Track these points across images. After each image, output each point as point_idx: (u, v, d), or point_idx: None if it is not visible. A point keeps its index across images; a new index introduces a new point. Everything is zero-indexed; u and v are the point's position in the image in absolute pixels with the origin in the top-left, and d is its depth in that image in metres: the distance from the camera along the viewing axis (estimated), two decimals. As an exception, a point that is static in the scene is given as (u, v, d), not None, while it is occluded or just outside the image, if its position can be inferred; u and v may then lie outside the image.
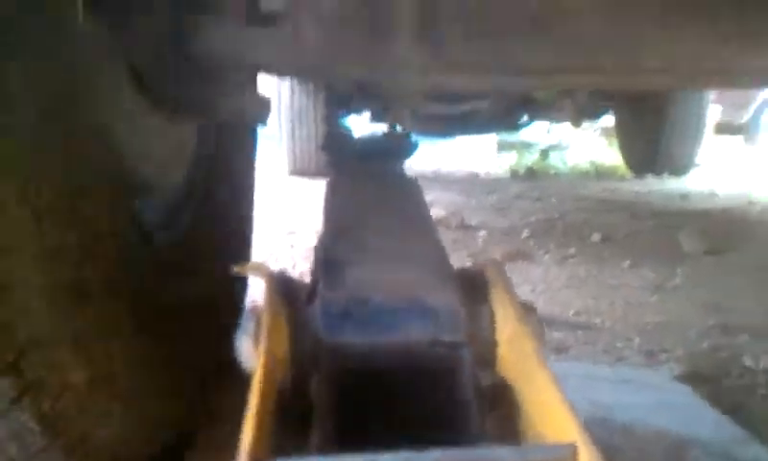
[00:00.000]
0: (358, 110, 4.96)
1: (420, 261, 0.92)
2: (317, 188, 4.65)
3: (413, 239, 1.03)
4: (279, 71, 1.40)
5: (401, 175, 1.48)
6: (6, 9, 0.78)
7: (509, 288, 0.83)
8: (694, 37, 1.24)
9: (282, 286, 0.79)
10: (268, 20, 1.28)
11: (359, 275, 0.86)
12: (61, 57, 0.90)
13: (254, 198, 1.86)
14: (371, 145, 1.69)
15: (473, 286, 0.84)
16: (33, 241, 0.80)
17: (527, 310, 0.79)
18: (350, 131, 2.03)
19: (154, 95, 1.22)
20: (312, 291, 0.83)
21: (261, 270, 0.81)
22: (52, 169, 0.85)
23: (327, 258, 0.91)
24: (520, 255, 2.98)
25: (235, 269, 0.83)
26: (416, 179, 1.38)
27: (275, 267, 0.82)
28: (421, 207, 1.23)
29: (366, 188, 1.36)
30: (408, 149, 1.64)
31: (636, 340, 1.95)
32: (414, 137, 1.75)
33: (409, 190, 1.33)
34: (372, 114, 4.54)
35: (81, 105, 0.95)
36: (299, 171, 5.36)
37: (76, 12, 0.95)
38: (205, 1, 1.24)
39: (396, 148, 1.63)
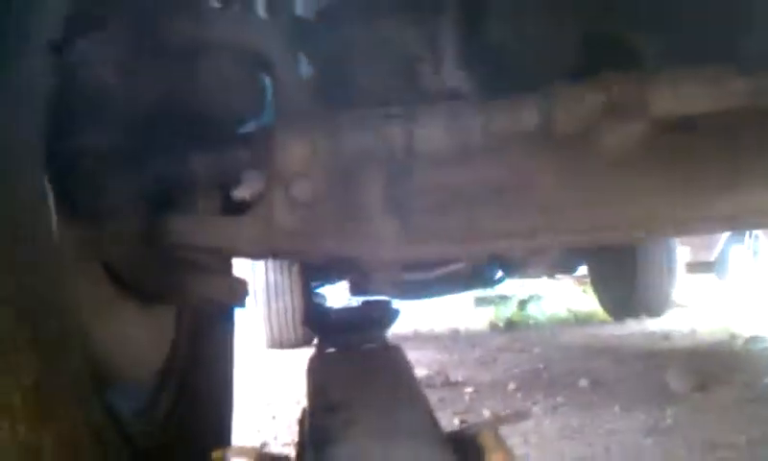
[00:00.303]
0: (334, 281, 5.00)
1: (409, 433, 0.90)
2: (296, 360, 4.61)
3: (401, 410, 1.01)
4: (255, 256, 1.42)
5: (385, 344, 1.48)
6: None
7: (508, 456, 0.80)
8: (650, 194, 1.30)
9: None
10: (241, 208, 1.31)
11: (348, 452, 0.83)
12: (38, 264, 0.89)
13: (233, 378, 1.82)
14: (352, 316, 1.69)
15: (467, 454, 0.82)
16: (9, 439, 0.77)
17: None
18: (327, 301, 2.03)
19: (130, 289, 1.23)
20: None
21: (247, 453, 0.78)
22: (27, 369, 0.82)
23: (315, 435, 0.88)
24: (512, 414, 2.92)
25: (219, 453, 0.79)
26: (399, 346, 1.37)
27: (257, 439, 0.79)
28: (407, 375, 1.22)
29: (350, 360, 1.34)
30: (390, 317, 1.64)
31: (638, 486, 1.88)
32: (394, 305, 1.76)
33: (393, 359, 1.32)
34: (352, 286, 4.61)
35: (57, 307, 0.93)
36: (277, 344, 5.31)
37: (50, 222, 0.96)
38: (178, 197, 1.27)
39: (377, 317, 1.62)
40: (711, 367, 3.45)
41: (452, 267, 4.57)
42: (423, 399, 1.04)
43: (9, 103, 0.84)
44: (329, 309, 1.82)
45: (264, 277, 5.13)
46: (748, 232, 8.61)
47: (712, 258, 8.85)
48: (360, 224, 1.27)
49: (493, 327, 6.64)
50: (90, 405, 0.98)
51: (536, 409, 2.94)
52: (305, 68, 1.56)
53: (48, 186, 0.94)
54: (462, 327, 6.83)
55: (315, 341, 1.68)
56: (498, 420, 1.00)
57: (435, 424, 0.91)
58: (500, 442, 0.81)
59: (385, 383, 1.16)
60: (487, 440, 0.83)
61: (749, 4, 1.22)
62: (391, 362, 1.27)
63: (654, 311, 5.56)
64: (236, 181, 1.48)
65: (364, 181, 1.26)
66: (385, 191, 1.27)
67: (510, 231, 1.33)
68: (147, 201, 1.24)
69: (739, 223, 1.46)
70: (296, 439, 1.06)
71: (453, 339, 5.82)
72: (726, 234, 8.51)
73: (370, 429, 0.91)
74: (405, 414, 0.97)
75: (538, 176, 1.32)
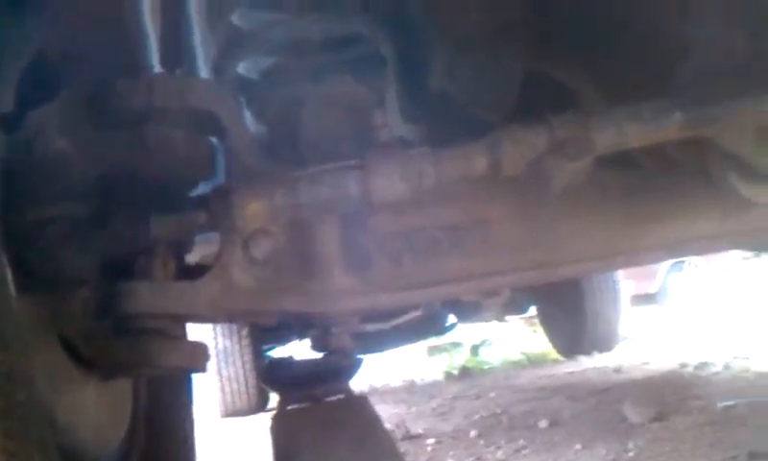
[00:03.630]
0: (285, 342, 4.94)
1: None
2: (252, 428, 4.52)
3: None
4: (214, 319, 1.40)
5: (350, 395, 1.46)
6: None
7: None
8: (600, 227, 1.35)
9: None
10: (194, 273, 1.30)
11: None
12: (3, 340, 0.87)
13: (195, 447, 1.77)
14: (313, 367, 1.67)
15: None
16: None
17: None
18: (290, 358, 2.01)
19: (86, 361, 1.20)
20: None
21: None
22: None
23: None
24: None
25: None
26: (365, 396, 1.36)
27: None
28: (378, 428, 1.21)
29: (315, 415, 1.33)
30: (353, 367, 1.63)
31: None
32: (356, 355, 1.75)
33: (361, 411, 1.31)
34: (313, 342, 4.57)
35: (24, 382, 0.90)
36: (231, 412, 5.17)
37: (9, 298, 0.94)
38: (131, 266, 1.25)
39: (340, 367, 1.61)
40: (666, 396, 3.50)
41: (408, 316, 4.58)
42: (398, 453, 1.02)
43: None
44: (289, 362, 1.79)
45: (213, 343, 4.99)
46: (687, 262, 8.86)
47: (655, 290, 9.06)
48: (319, 278, 1.27)
49: (448, 375, 6.62)
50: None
51: (499, 454, 2.93)
52: (254, 127, 1.57)
53: (4, 262, 0.92)
54: (417, 377, 6.80)
55: (270, 405, 1.65)
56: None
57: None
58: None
59: (356, 437, 1.14)
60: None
61: (683, 37, 1.27)
62: (359, 414, 1.25)
63: (604, 346, 5.64)
64: (189, 246, 1.47)
65: (321, 235, 1.27)
66: (342, 243, 1.27)
67: (467, 274, 1.35)
68: (103, 270, 1.22)
69: (685, 250, 1.51)
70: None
71: (409, 391, 5.79)
72: (666, 265, 8.74)
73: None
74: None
75: (490, 217, 1.35)
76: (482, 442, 3.21)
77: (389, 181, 1.23)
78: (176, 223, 1.26)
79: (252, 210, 1.23)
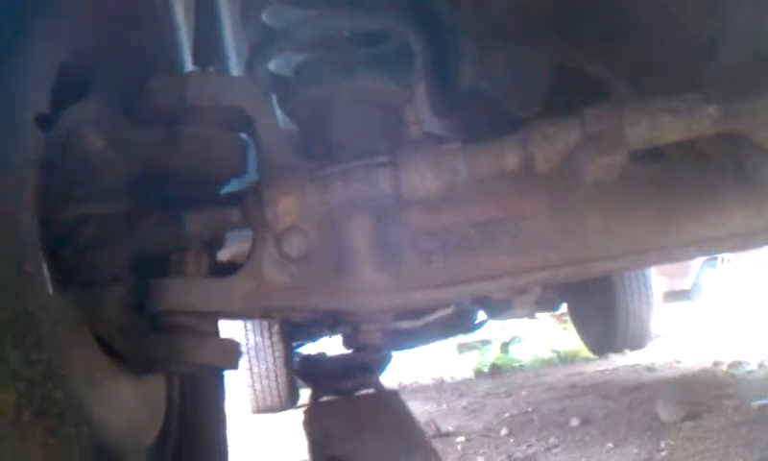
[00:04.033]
0: (316, 339, 4.95)
1: None
2: (283, 424, 4.54)
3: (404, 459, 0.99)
4: (247, 316, 1.41)
5: (381, 389, 1.46)
6: None
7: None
8: (632, 223, 1.33)
9: None
10: (227, 270, 1.31)
11: None
12: (40, 338, 0.88)
13: (227, 442, 1.79)
14: (345, 362, 1.67)
15: None
16: None
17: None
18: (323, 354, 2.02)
19: (121, 358, 1.21)
20: None
21: None
22: (36, 443, 0.81)
23: None
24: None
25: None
26: (396, 390, 1.36)
27: None
28: (409, 421, 1.21)
29: (347, 408, 1.33)
30: (383, 362, 1.63)
31: (642, 520, 1.87)
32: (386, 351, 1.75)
33: (392, 404, 1.31)
34: (344, 339, 4.57)
35: (61, 380, 0.92)
36: (262, 408, 5.21)
37: (46, 293, 0.95)
38: (165, 263, 1.26)
39: (371, 362, 1.61)
40: (699, 395, 3.46)
41: (439, 313, 4.58)
42: (430, 446, 1.01)
43: (1, 177, 0.85)
44: (322, 357, 1.80)
45: (245, 340, 5.03)
46: (721, 258, 8.74)
47: (688, 286, 8.95)
48: (351, 276, 1.27)
49: (478, 372, 6.61)
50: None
51: (530, 452, 2.92)
52: (286, 124, 1.57)
53: (41, 259, 0.94)
54: (447, 375, 6.80)
55: (300, 401, 1.66)
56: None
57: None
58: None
59: (388, 431, 1.14)
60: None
61: (713, 31, 1.26)
62: (390, 408, 1.25)
63: (636, 344, 5.58)
64: (221, 244, 1.48)
65: (353, 232, 1.27)
66: (374, 240, 1.27)
67: (498, 271, 1.34)
68: (137, 267, 1.23)
69: (719, 247, 1.49)
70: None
71: (439, 389, 5.78)
72: (699, 261, 8.63)
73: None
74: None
75: (522, 213, 1.34)
76: (512, 440, 3.20)
77: (420, 178, 1.23)
78: (208, 219, 1.27)
79: (285, 207, 1.24)
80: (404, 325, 4.43)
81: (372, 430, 1.15)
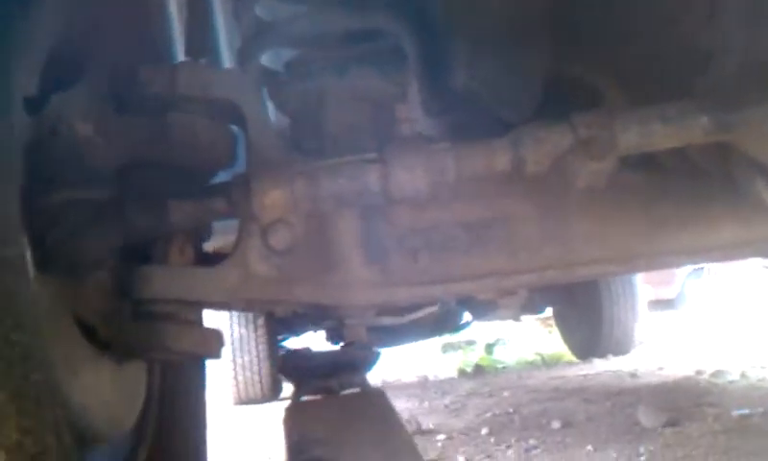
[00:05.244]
0: (299, 333, 4.97)
1: None
2: (265, 416, 4.54)
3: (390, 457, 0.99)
4: (230, 306, 1.41)
5: (367, 388, 1.46)
6: None
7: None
8: (621, 229, 1.34)
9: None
10: (212, 261, 1.30)
11: None
12: (21, 320, 0.88)
13: (206, 432, 1.79)
14: (331, 360, 1.66)
15: None
16: None
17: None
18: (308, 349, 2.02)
19: (103, 344, 1.21)
20: None
21: None
22: (11, 427, 0.80)
23: None
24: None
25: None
26: (382, 390, 1.35)
27: None
28: (394, 422, 1.21)
29: (331, 408, 1.32)
30: (370, 360, 1.63)
31: (618, 525, 1.87)
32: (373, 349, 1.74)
33: (377, 404, 1.31)
34: (328, 333, 4.58)
35: (39, 364, 0.91)
36: (244, 400, 5.23)
37: (27, 277, 0.94)
38: (150, 251, 1.26)
39: (357, 360, 1.60)
40: (680, 402, 3.47)
41: (423, 311, 4.59)
42: (414, 449, 1.01)
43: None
44: (307, 352, 1.79)
45: (229, 331, 5.03)
46: (706, 268, 8.80)
47: (673, 295, 9.00)
48: (337, 270, 1.27)
49: (462, 373, 6.62)
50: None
51: (509, 453, 2.93)
52: (276, 118, 1.57)
53: (24, 243, 0.93)
54: (430, 374, 6.81)
55: (282, 394, 1.65)
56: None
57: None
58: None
59: (372, 432, 1.14)
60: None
61: (710, 43, 1.26)
62: (375, 408, 1.25)
63: (620, 350, 5.61)
64: (207, 234, 1.48)
65: (340, 227, 1.27)
66: (361, 236, 1.27)
67: (485, 272, 1.34)
68: (122, 255, 1.23)
69: (708, 256, 1.50)
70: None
71: (422, 387, 5.79)
72: (685, 271, 8.68)
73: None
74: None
75: (510, 215, 1.35)
76: (493, 440, 3.20)
77: (409, 175, 1.23)
78: (194, 209, 1.27)
79: (272, 199, 1.23)
80: (388, 321, 4.43)
81: (356, 430, 1.14)
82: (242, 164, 1.34)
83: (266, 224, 1.25)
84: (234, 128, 1.37)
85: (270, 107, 1.58)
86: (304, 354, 1.77)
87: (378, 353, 1.68)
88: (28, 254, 0.92)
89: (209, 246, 1.52)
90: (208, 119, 1.29)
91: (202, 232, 1.44)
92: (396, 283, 1.30)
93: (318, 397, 1.40)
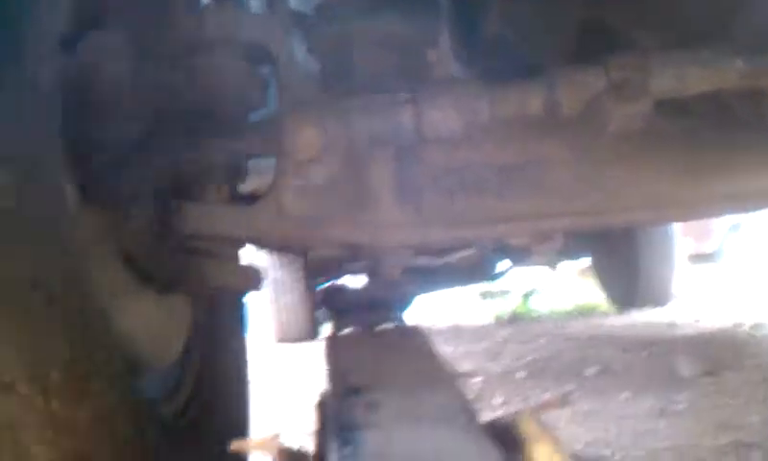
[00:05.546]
0: (336, 278, 5.06)
1: (441, 418, 0.87)
2: (306, 353, 4.63)
3: (428, 392, 0.97)
4: (266, 244, 1.43)
5: (404, 323, 1.47)
6: (6, 201, 0.80)
7: (554, 447, 0.75)
8: (654, 175, 1.32)
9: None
10: (251, 200, 1.32)
11: (374, 438, 0.80)
12: (60, 244, 0.91)
13: (247, 362, 1.84)
14: (370, 295, 1.68)
15: (506, 445, 0.77)
16: (41, 417, 0.79)
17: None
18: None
19: (146, 274, 1.25)
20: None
21: (267, 446, 0.77)
22: (56, 351, 0.84)
23: (337, 421, 0.85)
24: (554, 399, 2.93)
25: (239, 446, 0.80)
26: (420, 325, 1.36)
27: (272, 431, 0.78)
28: (432, 356, 1.21)
29: (370, 340, 1.34)
30: (406, 299, 1.64)
31: (650, 467, 1.89)
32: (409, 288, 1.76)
33: (415, 339, 1.32)
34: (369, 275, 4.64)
35: (79, 289, 0.95)
36: (285, 338, 5.48)
37: (70, 205, 0.98)
38: (190, 187, 1.29)
39: (395, 296, 1.62)
40: (718, 353, 3.44)
41: (459, 255, 4.59)
42: (453, 381, 1.01)
43: (27, 97, 0.87)
44: (347, 288, 1.81)
45: (271, 270, 5.26)
46: (745, 222, 8.64)
47: (713, 249, 8.87)
48: (370, 209, 1.28)
49: (499, 320, 6.64)
50: (123, 386, 1.00)
51: (546, 396, 2.95)
52: (307, 61, 1.57)
53: (67, 175, 0.96)
54: (467, 320, 6.84)
55: (321, 332, 1.68)
56: (540, 406, 0.90)
57: (468, 408, 0.86)
58: (544, 430, 0.76)
59: (409, 364, 1.14)
60: (528, 428, 0.76)
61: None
62: (412, 342, 1.26)
63: (657, 301, 5.56)
64: (243, 174, 1.50)
65: (374, 166, 1.27)
66: (395, 175, 1.27)
67: (518, 214, 1.34)
68: (161, 190, 1.25)
69: (745, 205, 1.47)
70: (313, 428, 1.04)
71: (457, 333, 5.83)
72: (725, 225, 8.54)
73: (397, 414, 0.87)
74: (435, 397, 0.92)
75: (544, 159, 1.33)
76: (530, 384, 3.23)
77: (442, 115, 1.23)
78: (230, 147, 1.29)
79: (306, 138, 1.24)
80: (423, 261, 4.43)
81: (396, 364, 1.15)
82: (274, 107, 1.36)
83: (300, 162, 1.26)
84: (265, 71, 1.38)
85: (300, 50, 1.58)
86: (343, 289, 1.79)
87: (414, 294, 1.69)
88: (69, 186, 0.96)
89: (245, 188, 1.55)
90: (238, 61, 1.31)
91: (237, 173, 1.46)
92: (428, 223, 1.30)
93: (356, 330, 1.42)
